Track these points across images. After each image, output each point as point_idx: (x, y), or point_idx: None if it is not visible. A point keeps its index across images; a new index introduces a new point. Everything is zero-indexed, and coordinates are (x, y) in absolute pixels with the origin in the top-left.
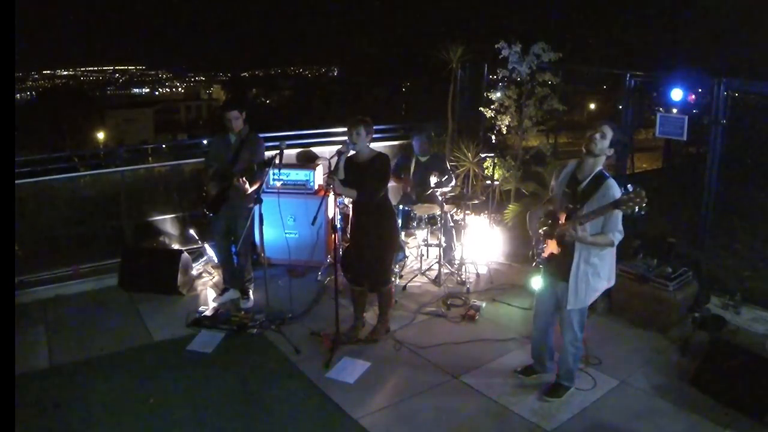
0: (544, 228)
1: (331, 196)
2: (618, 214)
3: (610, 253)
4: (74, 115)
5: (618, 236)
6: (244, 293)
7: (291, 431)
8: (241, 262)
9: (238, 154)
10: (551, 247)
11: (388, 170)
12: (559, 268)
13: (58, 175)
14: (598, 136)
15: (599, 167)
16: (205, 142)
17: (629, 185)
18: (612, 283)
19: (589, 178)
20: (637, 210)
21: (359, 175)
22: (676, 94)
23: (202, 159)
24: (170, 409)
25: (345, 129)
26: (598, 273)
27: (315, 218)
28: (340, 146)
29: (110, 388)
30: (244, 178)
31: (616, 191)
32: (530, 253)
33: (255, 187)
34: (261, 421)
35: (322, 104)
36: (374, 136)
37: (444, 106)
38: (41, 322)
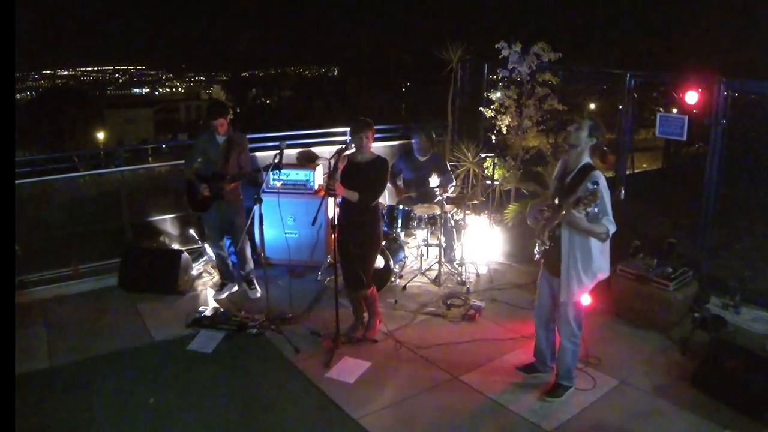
0: (542, 221)
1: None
2: (604, 202)
3: (600, 246)
4: (74, 115)
5: (611, 226)
6: (251, 284)
7: (291, 431)
8: (242, 254)
9: (228, 154)
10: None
11: (387, 174)
12: (553, 262)
13: (58, 175)
14: (572, 128)
15: (585, 160)
16: None
17: (589, 184)
18: (606, 274)
19: (575, 170)
20: (589, 210)
21: (357, 176)
22: (691, 96)
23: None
24: (170, 409)
25: (344, 129)
26: (589, 265)
27: (315, 218)
28: (339, 146)
29: (110, 388)
30: (232, 185)
31: (600, 181)
32: (534, 250)
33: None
34: (261, 421)
35: (322, 104)
36: (374, 136)
37: (444, 106)
38: (41, 322)
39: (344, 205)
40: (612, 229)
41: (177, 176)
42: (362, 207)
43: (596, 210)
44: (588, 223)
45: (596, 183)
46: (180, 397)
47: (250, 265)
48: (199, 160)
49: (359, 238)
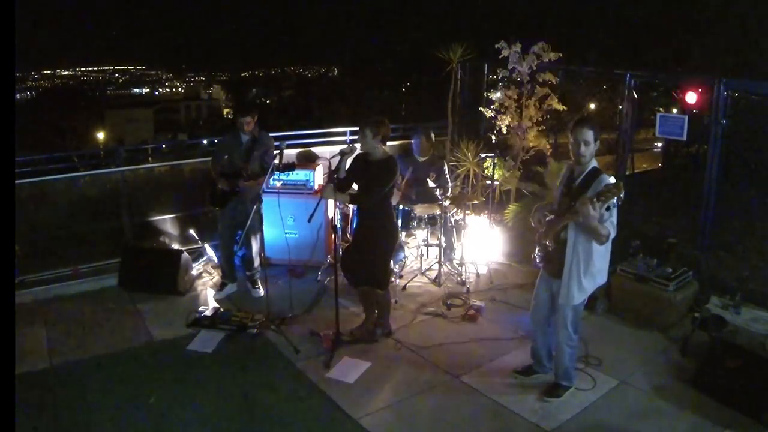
0: (545, 224)
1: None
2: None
3: (602, 252)
4: (74, 115)
5: (612, 230)
6: (254, 284)
7: (291, 431)
8: (249, 253)
9: (250, 153)
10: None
11: (388, 175)
12: (555, 265)
13: (58, 175)
14: (582, 149)
15: (593, 164)
16: (205, 142)
17: (611, 179)
18: (603, 281)
19: (584, 174)
20: (615, 201)
21: (363, 175)
22: (690, 97)
23: (202, 159)
24: (170, 408)
25: (344, 129)
26: (590, 271)
27: (311, 216)
28: (343, 146)
29: (110, 388)
30: (251, 181)
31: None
32: (533, 254)
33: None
34: (261, 420)
35: (322, 104)
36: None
37: (444, 106)
38: (41, 322)
39: (359, 206)
40: (613, 233)
41: (177, 176)
42: (371, 206)
43: (617, 204)
44: (596, 222)
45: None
46: (180, 397)
47: (256, 265)
48: (225, 157)
49: (371, 239)
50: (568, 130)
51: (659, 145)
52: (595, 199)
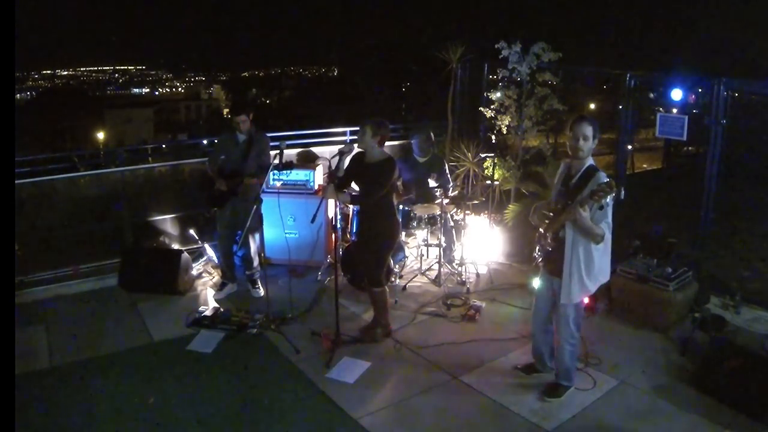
0: (545, 223)
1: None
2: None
3: (602, 250)
4: (74, 115)
5: (607, 231)
6: (254, 284)
7: (291, 431)
8: (248, 254)
9: (247, 152)
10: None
11: (386, 176)
12: (555, 264)
13: (58, 175)
14: (581, 143)
15: (590, 162)
16: (205, 142)
17: (604, 176)
18: (606, 279)
19: (580, 173)
20: (608, 200)
21: (362, 176)
22: (676, 94)
23: (202, 159)
24: (170, 409)
25: (344, 129)
26: (590, 269)
27: (314, 216)
28: (342, 146)
29: (110, 388)
30: (255, 179)
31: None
32: (534, 254)
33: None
34: (261, 421)
35: (322, 104)
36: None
37: (444, 106)
38: (41, 322)
39: (360, 205)
40: (608, 233)
41: (177, 176)
42: (371, 205)
43: (611, 203)
44: (590, 222)
45: (609, 177)
46: (180, 397)
47: (256, 264)
48: (222, 158)
49: (370, 238)
50: (568, 127)
51: (629, 147)
52: (587, 199)
